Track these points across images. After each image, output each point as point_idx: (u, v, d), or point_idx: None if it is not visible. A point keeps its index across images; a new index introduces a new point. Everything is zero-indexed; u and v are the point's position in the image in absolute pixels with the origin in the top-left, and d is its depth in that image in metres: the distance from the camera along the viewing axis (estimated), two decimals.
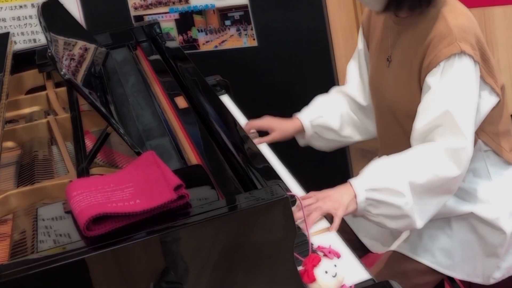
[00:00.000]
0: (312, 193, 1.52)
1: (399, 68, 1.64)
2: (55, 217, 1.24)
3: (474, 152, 1.62)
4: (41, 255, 1.06)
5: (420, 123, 1.54)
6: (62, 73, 1.34)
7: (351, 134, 1.92)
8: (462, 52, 1.50)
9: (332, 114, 1.89)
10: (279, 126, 1.91)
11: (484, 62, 1.57)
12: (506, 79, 2.77)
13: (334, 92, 1.95)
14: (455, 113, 1.50)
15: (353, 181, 1.52)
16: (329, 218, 1.50)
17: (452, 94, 1.51)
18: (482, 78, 1.56)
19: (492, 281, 1.71)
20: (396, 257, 1.70)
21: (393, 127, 1.69)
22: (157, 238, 1.08)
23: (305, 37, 2.55)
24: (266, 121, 1.93)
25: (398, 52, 1.65)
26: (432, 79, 1.53)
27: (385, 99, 1.70)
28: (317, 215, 1.46)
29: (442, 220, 1.68)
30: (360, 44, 1.85)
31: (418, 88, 1.58)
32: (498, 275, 1.70)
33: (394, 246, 1.72)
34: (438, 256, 1.67)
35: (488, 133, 1.65)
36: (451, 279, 1.86)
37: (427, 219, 1.55)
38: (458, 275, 1.71)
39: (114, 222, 1.10)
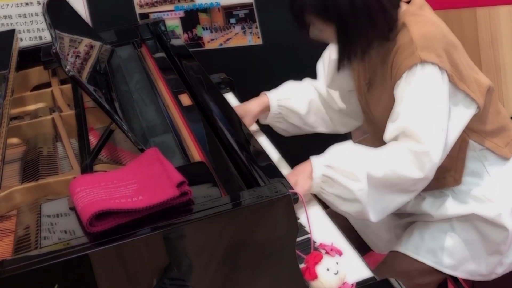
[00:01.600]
0: None
1: (377, 89, 1.65)
2: (58, 213, 1.25)
3: (469, 153, 1.64)
4: (44, 251, 1.07)
5: (387, 132, 1.55)
6: (66, 69, 1.35)
7: (315, 123, 1.93)
8: (423, 61, 1.49)
9: (301, 99, 1.90)
10: (246, 111, 1.90)
11: (455, 68, 1.55)
12: (511, 78, 2.77)
13: (306, 80, 1.96)
14: (417, 119, 1.49)
15: (314, 157, 1.54)
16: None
17: (415, 103, 1.50)
18: (454, 84, 1.55)
19: (494, 276, 1.72)
20: (398, 257, 1.70)
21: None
22: (160, 234, 1.08)
23: None
24: (236, 107, 1.90)
25: (374, 74, 1.65)
26: (398, 91, 1.54)
27: (374, 119, 1.71)
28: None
29: (444, 220, 1.68)
30: (333, 54, 1.78)
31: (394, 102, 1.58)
32: (500, 271, 1.71)
33: (396, 247, 1.72)
34: (440, 256, 1.68)
35: (478, 132, 1.65)
36: (454, 278, 1.86)
37: (382, 214, 1.55)
38: (460, 274, 1.71)
39: (117, 218, 1.11)
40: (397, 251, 1.71)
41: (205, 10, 2.62)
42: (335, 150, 1.55)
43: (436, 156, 1.50)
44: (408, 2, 1.61)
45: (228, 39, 2.64)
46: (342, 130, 1.96)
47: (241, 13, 2.58)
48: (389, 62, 1.57)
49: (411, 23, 1.55)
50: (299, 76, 2.63)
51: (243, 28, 2.60)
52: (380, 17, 1.52)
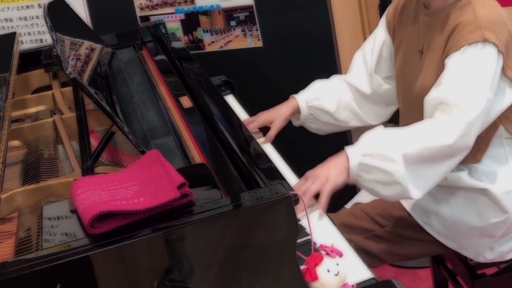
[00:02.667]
0: (304, 176, 1.56)
1: (429, 58, 1.65)
2: (59, 216, 1.25)
3: (495, 138, 1.65)
4: (45, 253, 1.07)
5: (429, 97, 1.56)
6: (67, 72, 1.35)
7: (347, 119, 1.94)
8: (485, 40, 1.51)
9: (328, 97, 1.92)
10: (276, 114, 1.92)
11: (508, 54, 1.57)
12: None
13: (334, 78, 1.98)
14: (460, 99, 1.50)
15: (348, 147, 1.55)
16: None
17: (466, 78, 1.52)
18: (502, 69, 1.57)
19: (481, 260, 1.72)
20: (390, 202, 1.72)
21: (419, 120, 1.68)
22: (160, 236, 1.09)
23: (310, 38, 2.56)
24: (263, 117, 1.94)
25: (429, 43, 1.66)
26: (451, 60, 1.55)
27: (413, 90, 1.70)
28: (306, 200, 1.49)
29: (450, 187, 1.69)
30: (383, 35, 1.85)
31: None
32: (489, 256, 1.71)
33: None
34: (432, 219, 1.69)
35: (510, 119, 1.66)
36: (453, 278, 1.86)
37: (425, 188, 1.56)
38: (447, 242, 1.72)
39: (118, 220, 1.11)
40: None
41: (206, 12, 2.63)
42: (368, 137, 1.56)
43: (471, 123, 1.51)
44: None
45: (228, 42, 2.65)
46: (373, 121, 1.96)
47: (242, 16, 2.58)
48: (447, 35, 1.58)
49: (477, 2, 1.58)
50: (299, 79, 2.63)
51: (243, 30, 2.61)
52: None
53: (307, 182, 1.54)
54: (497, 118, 1.63)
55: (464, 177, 1.66)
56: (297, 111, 1.94)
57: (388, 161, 1.50)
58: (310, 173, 1.57)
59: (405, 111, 1.79)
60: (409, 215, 1.72)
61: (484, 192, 1.65)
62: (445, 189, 1.70)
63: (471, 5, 1.58)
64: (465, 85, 1.52)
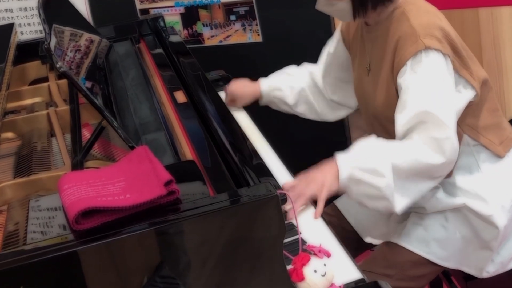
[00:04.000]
0: (298, 177, 1.56)
1: (376, 75, 1.66)
2: (46, 209, 1.25)
3: (462, 147, 1.64)
4: (27, 248, 1.06)
5: (399, 123, 1.55)
6: (58, 65, 1.34)
7: (304, 112, 2.02)
8: (427, 48, 1.51)
9: (290, 90, 1.99)
10: (241, 95, 2.03)
11: (456, 55, 1.57)
12: None
13: (303, 67, 2.03)
14: (433, 108, 1.50)
15: (339, 157, 1.55)
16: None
17: (426, 89, 1.52)
18: (455, 70, 1.57)
19: (485, 274, 1.71)
20: (391, 247, 1.70)
21: (380, 133, 1.70)
22: (145, 233, 1.08)
23: (310, 33, 2.55)
24: (232, 88, 2.03)
25: (374, 59, 1.67)
26: (402, 79, 1.55)
27: (369, 106, 1.73)
28: (301, 203, 1.49)
29: (438, 212, 1.68)
30: (332, 48, 1.90)
31: (395, 92, 1.60)
32: (491, 269, 1.70)
33: (389, 238, 1.73)
34: (433, 247, 1.68)
35: (472, 127, 1.66)
36: (448, 278, 1.86)
37: (406, 204, 1.56)
38: (451, 265, 1.71)
39: (103, 216, 1.10)
40: (390, 241, 1.71)
41: (205, 6, 2.62)
42: (360, 148, 1.56)
43: (455, 139, 1.52)
44: None
45: (228, 36, 2.64)
46: (330, 118, 2.04)
47: (241, 10, 2.57)
48: (391, 50, 1.58)
49: (410, 12, 1.58)
50: None
51: (243, 25, 2.60)
52: None
53: (300, 183, 1.53)
54: (459, 128, 1.61)
55: (441, 196, 1.66)
56: (259, 97, 2.03)
57: (378, 176, 1.50)
58: (304, 177, 1.56)
59: (368, 125, 1.80)
60: (412, 252, 1.69)
61: (467, 208, 1.65)
62: (433, 214, 1.69)
63: (405, 16, 1.57)
64: (431, 99, 1.51)
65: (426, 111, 1.50)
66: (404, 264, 1.68)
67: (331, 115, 2.02)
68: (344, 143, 2.69)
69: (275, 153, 1.81)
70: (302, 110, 2.01)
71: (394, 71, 1.57)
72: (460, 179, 1.67)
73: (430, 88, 1.52)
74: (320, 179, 1.52)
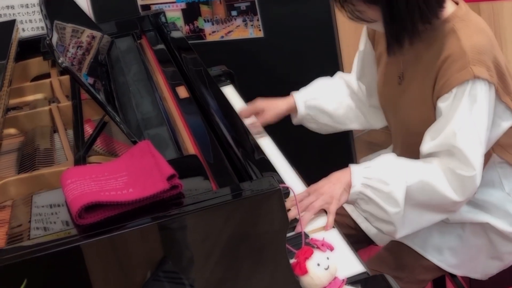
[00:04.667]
0: (308, 189, 1.52)
1: (412, 87, 1.59)
2: (50, 205, 1.25)
3: (487, 163, 1.60)
4: (31, 242, 1.07)
5: (427, 145, 1.51)
6: (60, 61, 1.35)
7: (346, 120, 1.88)
8: (476, 77, 1.44)
9: (328, 98, 1.85)
10: (272, 106, 1.86)
11: (501, 81, 1.51)
12: None
13: (337, 77, 1.92)
14: (464, 145, 1.46)
15: (354, 170, 1.51)
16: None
17: (463, 124, 1.46)
18: (498, 96, 1.51)
19: (488, 276, 1.72)
20: (403, 249, 1.69)
21: (407, 137, 1.66)
22: (147, 228, 1.08)
23: (311, 28, 2.54)
24: (258, 104, 1.87)
25: (410, 70, 1.59)
26: (444, 105, 1.48)
27: (398, 115, 1.66)
28: (310, 215, 1.45)
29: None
30: (362, 45, 1.80)
31: (432, 108, 1.54)
32: (495, 272, 1.71)
33: (402, 238, 1.67)
34: (445, 255, 1.66)
35: (503, 145, 1.62)
36: (452, 275, 1.86)
37: (411, 231, 1.54)
38: (460, 272, 1.71)
39: (106, 211, 1.11)
40: (402, 242, 1.68)
41: (207, 2, 2.62)
42: (376, 166, 1.51)
43: (479, 179, 1.48)
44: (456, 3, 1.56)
45: (229, 32, 2.63)
46: (377, 125, 1.90)
47: (243, 6, 2.57)
48: (435, 68, 1.50)
49: (461, 30, 1.49)
50: (299, 69, 2.63)
51: (244, 20, 2.60)
52: None
53: (310, 196, 1.49)
54: (490, 148, 1.58)
55: (463, 210, 1.62)
56: (294, 110, 1.87)
57: (391, 202, 1.47)
58: (314, 187, 1.51)
59: (393, 129, 1.74)
60: (424, 258, 1.67)
61: (488, 225, 1.63)
62: (451, 224, 1.67)
63: (456, 34, 1.49)
64: (464, 135, 1.46)
65: (457, 147, 1.46)
66: (415, 268, 1.67)
67: (377, 121, 1.88)
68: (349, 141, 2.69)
69: (277, 148, 1.81)
70: (344, 118, 1.86)
71: (436, 93, 1.51)
72: (484, 194, 1.64)
73: (467, 124, 1.46)
74: (329, 191, 1.48)
